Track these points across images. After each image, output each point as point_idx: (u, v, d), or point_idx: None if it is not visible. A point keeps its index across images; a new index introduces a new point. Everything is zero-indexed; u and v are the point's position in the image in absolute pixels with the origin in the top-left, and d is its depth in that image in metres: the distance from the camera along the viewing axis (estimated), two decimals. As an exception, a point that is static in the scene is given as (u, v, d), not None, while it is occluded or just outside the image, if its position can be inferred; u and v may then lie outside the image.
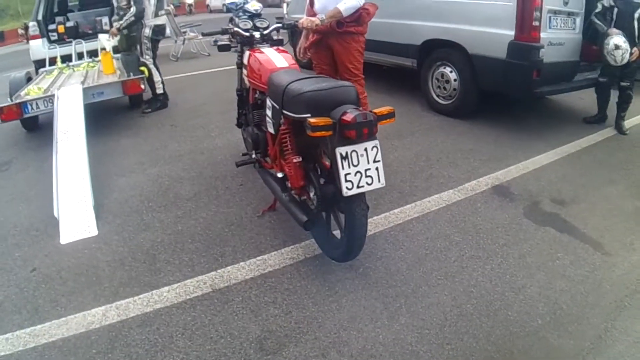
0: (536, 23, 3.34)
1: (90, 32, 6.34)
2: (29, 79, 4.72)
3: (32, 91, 4.10)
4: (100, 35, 4.86)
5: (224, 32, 2.67)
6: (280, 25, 2.73)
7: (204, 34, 3.08)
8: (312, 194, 1.96)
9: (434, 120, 4.07)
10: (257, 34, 2.62)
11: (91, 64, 5.24)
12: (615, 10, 3.63)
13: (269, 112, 2.17)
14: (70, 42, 5.71)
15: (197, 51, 8.61)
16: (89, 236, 2.45)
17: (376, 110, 1.64)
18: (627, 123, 3.86)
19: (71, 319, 1.86)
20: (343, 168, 1.61)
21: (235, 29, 2.62)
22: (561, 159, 3.24)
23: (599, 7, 3.68)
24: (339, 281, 1.98)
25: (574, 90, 4.01)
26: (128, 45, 4.62)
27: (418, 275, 2.01)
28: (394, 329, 1.70)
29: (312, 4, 3.02)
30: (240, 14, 10.85)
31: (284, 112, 1.87)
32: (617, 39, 3.53)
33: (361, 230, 1.76)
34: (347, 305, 1.83)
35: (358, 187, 1.64)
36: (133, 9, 4.33)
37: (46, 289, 2.06)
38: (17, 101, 3.85)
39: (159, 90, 4.75)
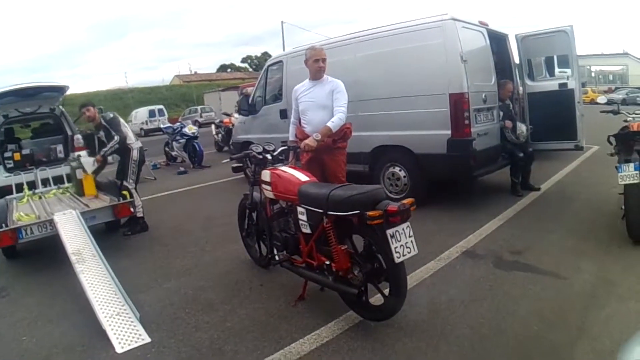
0: (467, 122, 4.68)
1: (44, 159, 6.71)
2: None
3: (22, 217, 4.37)
4: (83, 159, 5.30)
5: (245, 155, 3.54)
6: (285, 147, 3.63)
7: (232, 158, 3.84)
8: (356, 272, 2.71)
9: (393, 213, 5.18)
10: (268, 156, 3.48)
11: (59, 191, 5.61)
12: (501, 113, 5.48)
13: (302, 217, 2.95)
14: (32, 169, 6.04)
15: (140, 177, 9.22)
16: (143, 343, 2.81)
17: (404, 202, 2.54)
18: (546, 184, 5.69)
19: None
20: (393, 244, 2.44)
21: (253, 153, 3.48)
22: (506, 222, 4.50)
23: None
24: (386, 336, 2.69)
25: (501, 168, 5.44)
26: (120, 172, 5.27)
27: (439, 321, 2.81)
28: (440, 357, 2.45)
29: (301, 125, 3.98)
30: (178, 137, 11.93)
31: (330, 212, 2.65)
32: (523, 126, 5.40)
33: (405, 287, 2.59)
34: (400, 350, 2.54)
35: (403, 255, 2.48)
36: (117, 137, 5.08)
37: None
38: (13, 227, 4.06)
39: (139, 214, 5.27)
